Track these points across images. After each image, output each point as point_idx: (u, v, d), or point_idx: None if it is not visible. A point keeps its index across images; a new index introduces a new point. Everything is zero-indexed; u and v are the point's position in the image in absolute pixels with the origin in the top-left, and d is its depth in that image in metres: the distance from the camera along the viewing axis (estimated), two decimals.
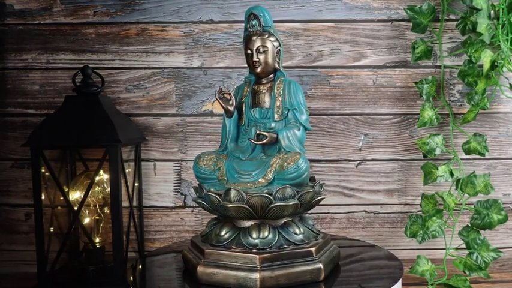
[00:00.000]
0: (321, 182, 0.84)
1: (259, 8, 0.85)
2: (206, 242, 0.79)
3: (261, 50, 0.84)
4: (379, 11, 1.12)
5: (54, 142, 0.95)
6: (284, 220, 0.79)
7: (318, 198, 0.80)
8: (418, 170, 1.11)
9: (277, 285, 0.73)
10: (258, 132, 0.82)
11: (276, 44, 0.85)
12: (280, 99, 0.83)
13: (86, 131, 0.95)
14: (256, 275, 0.72)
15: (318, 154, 1.13)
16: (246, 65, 0.87)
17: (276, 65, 0.86)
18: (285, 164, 0.77)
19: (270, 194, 0.74)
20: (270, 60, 0.84)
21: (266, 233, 0.76)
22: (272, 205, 0.74)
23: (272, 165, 0.79)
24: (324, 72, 1.13)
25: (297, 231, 0.78)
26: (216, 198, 0.76)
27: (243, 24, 0.88)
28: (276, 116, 0.83)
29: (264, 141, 0.81)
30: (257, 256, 0.73)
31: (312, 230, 0.81)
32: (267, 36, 0.85)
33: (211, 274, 0.75)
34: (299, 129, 0.82)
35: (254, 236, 0.76)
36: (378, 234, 1.14)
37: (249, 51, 0.85)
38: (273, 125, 0.83)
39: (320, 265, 0.75)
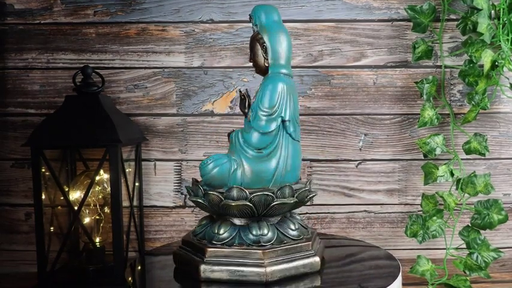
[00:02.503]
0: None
1: (254, 8, 0.84)
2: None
3: (253, 50, 0.83)
4: (379, 11, 1.12)
5: (55, 142, 0.95)
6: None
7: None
8: (419, 170, 1.11)
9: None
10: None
11: (261, 41, 0.82)
12: (255, 99, 0.83)
13: (86, 131, 0.95)
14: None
15: (318, 154, 1.13)
16: (246, 65, 0.87)
17: (265, 63, 0.83)
18: None
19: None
20: (258, 59, 0.83)
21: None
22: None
23: None
24: (325, 72, 1.13)
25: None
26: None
27: (244, 24, 0.88)
28: (249, 116, 0.82)
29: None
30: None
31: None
32: (255, 35, 0.83)
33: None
34: (246, 131, 0.81)
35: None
36: (378, 234, 1.14)
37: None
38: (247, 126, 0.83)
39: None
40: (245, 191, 0.76)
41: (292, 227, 0.81)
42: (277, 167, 0.80)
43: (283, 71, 0.82)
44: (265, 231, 0.78)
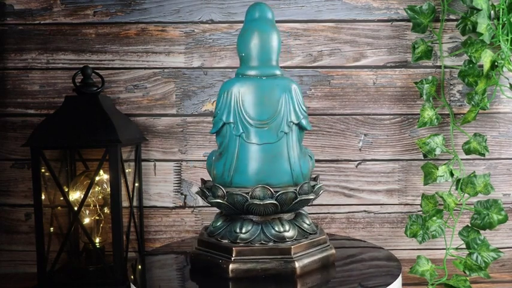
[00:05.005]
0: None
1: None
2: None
3: None
4: (379, 11, 1.12)
5: (54, 142, 0.95)
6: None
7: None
8: (418, 170, 1.11)
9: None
10: None
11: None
12: None
13: (86, 131, 0.95)
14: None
15: (318, 154, 1.13)
16: None
17: None
18: None
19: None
20: None
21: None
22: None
23: None
24: (324, 72, 1.13)
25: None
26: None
27: (243, 25, 0.87)
28: None
29: None
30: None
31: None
32: None
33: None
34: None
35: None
36: (378, 234, 1.14)
37: None
38: None
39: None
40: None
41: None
42: (224, 167, 0.81)
43: (248, 72, 0.81)
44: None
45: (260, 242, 0.79)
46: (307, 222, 0.83)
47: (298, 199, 0.79)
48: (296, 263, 0.77)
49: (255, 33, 0.81)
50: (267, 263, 0.77)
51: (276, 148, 0.80)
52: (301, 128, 0.82)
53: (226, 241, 0.80)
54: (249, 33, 0.82)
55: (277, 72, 0.82)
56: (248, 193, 0.78)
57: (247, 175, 0.80)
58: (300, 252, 0.79)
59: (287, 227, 0.80)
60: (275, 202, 0.78)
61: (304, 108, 0.82)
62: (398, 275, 0.79)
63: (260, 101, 0.80)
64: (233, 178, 0.81)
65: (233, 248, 0.78)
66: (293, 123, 0.80)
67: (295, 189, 0.79)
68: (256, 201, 0.77)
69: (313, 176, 0.89)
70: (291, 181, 0.81)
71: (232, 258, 0.77)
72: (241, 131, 0.80)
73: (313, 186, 0.83)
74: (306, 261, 0.79)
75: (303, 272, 0.78)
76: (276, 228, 0.79)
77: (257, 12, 0.83)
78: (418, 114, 1.08)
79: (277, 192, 0.78)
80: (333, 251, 0.84)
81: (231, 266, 0.77)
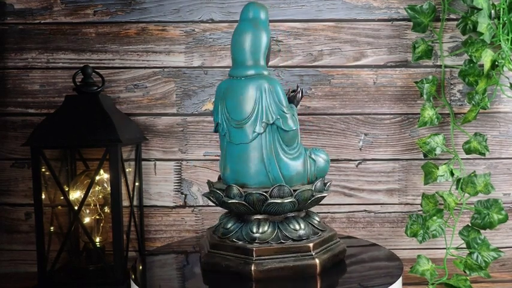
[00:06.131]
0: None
1: None
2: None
3: None
4: (379, 11, 1.12)
5: (55, 142, 0.95)
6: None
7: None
8: (419, 170, 1.11)
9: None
10: None
11: None
12: None
13: (86, 131, 0.95)
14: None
15: None
16: None
17: None
18: None
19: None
20: None
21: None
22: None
23: None
24: (325, 71, 1.13)
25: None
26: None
27: None
28: None
29: None
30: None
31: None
32: None
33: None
34: None
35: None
36: (378, 234, 1.14)
37: None
38: None
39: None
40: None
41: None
42: (220, 166, 0.85)
43: (231, 72, 0.83)
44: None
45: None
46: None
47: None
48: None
49: (234, 35, 0.83)
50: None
51: (251, 148, 0.80)
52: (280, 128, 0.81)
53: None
54: (235, 33, 0.83)
55: (252, 72, 0.81)
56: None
57: (234, 175, 0.82)
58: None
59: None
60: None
61: (283, 108, 0.80)
62: (400, 275, 0.80)
63: (237, 101, 0.81)
64: (226, 177, 0.84)
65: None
66: (266, 123, 0.80)
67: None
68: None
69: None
70: (267, 182, 0.80)
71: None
72: (225, 131, 0.82)
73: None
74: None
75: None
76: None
77: (242, 14, 0.84)
78: (419, 113, 1.08)
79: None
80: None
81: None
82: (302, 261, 0.78)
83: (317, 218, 0.86)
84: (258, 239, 0.79)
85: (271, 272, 0.77)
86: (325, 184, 0.85)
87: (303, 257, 0.78)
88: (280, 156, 0.81)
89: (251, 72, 0.81)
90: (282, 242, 0.79)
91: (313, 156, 0.84)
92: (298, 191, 0.79)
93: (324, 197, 0.84)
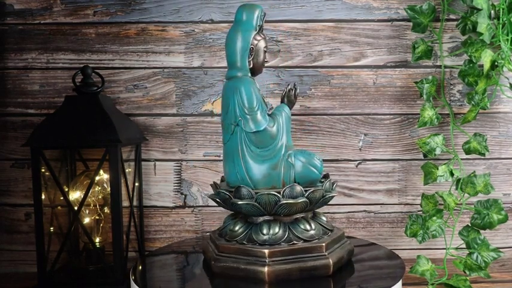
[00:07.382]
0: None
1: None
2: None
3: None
4: (379, 11, 1.12)
5: (54, 142, 0.95)
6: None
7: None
8: (418, 170, 1.11)
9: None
10: None
11: None
12: None
13: (86, 131, 0.95)
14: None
15: (318, 154, 1.13)
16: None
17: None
18: None
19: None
20: None
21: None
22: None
23: None
24: (324, 72, 1.13)
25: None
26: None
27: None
28: None
29: None
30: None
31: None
32: None
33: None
34: None
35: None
36: (378, 234, 1.14)
37: (265, 50, 0.85)
38: None
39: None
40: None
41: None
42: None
43: (227, 75, 0.85)
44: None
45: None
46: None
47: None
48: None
49: (230, 34, 0.84)
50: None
51: (228, 149, 0.83)
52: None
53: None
54: (228, 35, 0.84)
55: (231, 74, 0.83)
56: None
57: (227, 176, 0.84)
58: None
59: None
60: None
61: (244, 109, 0.80)
62: (402, 275, 0.80)
63: (222, 103, 0.84)
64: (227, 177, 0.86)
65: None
66: (233, 125, 0.81)
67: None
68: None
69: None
70: (238, 182, 0.81)
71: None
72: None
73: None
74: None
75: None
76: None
77: (242, 14, 0.84)
78: (418, 114, 1.08)
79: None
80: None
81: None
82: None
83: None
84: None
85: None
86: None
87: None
88: (246, 157, 0.81)
89: (230, 74, 0.83)
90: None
91: (290, 159, 0.82)
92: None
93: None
